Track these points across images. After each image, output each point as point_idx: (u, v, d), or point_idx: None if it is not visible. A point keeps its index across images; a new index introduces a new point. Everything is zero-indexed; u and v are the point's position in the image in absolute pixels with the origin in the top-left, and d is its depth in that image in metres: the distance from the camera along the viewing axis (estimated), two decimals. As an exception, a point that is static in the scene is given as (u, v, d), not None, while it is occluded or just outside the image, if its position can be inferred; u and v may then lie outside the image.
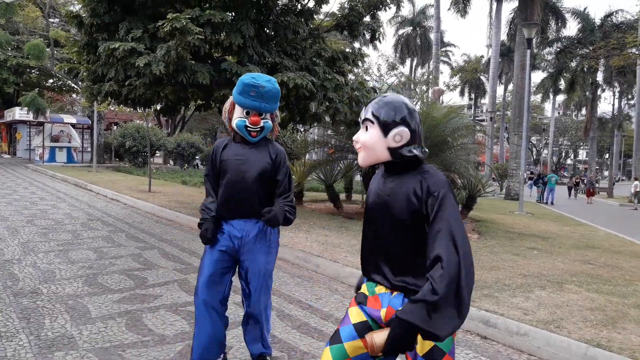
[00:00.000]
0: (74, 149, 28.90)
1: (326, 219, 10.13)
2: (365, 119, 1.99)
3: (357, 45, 22.67)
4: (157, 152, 28.36)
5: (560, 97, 49.77)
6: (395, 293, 1.93)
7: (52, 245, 7.02)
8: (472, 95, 55.43)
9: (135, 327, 4.03)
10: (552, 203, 24.57)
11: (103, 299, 4.71)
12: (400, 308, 1.78)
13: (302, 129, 16.77)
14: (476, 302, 4.66)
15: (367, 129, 1.98)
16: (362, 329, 1.96)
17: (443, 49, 48.60)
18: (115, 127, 32.54)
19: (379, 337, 1.74)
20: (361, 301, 2.02)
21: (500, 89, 47.55)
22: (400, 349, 1.72)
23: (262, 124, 3.04)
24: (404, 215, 1.90)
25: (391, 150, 1.94)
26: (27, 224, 8.62)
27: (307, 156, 16.11)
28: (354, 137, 2.05)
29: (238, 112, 3.05)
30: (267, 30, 9.27)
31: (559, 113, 66.38)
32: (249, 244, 3.10)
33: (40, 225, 8.49)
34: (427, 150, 2.00)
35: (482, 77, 52.36)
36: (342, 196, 13.78)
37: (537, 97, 47.54)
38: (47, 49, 24.34)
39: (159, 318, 4.28)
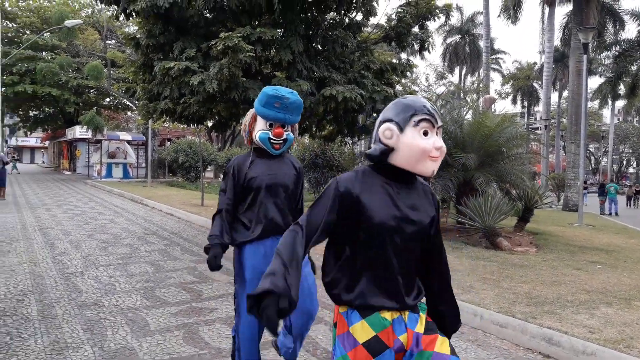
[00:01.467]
0: (130, 164, 30.05)
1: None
2: (441, 126, 1.82)
3: (404, 55, 22.54)
4: (208, 166, 29.02)
5: (620, 103, 47.56)
6: (407, 313, 1.82)
7: (112, 258, 7.27)
8: (525, 103, 53.87)
9: (193, 340, 4.10)
10: (616, 214, 23.40)
11: (161, 312, 4.82)
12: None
13: (349, 142, 16.77)
14: (537, 318, 4.47)
15: (436, 135, 1.81)
16: None
17: (493, 57, 47.60)
18: (168, 143, 33.63)
19: None
20: (379, 349, 1.74)
21: (554, 96, 46.05)
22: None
23: (284, 136, 3.03)
24: (427, 227, 1.85)
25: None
26: (88, 238, 8.98)
27: (354, 169, 16.10)
28: (437, 144, 1.77)
29: (260, 124, 3.01)
30: (316, 45, 9.36)
31: (618, 119, 63.49)
32: None
33: (100, 239, 8.83)
34: None
35: (534, 84, 50.85)
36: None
37: (595, 104, 45.61)
38: (105, 70, 25.52)
39: (215, 331, 4.34)
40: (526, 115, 55.92)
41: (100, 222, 11.19)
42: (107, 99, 36.21)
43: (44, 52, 32.79)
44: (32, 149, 66.40)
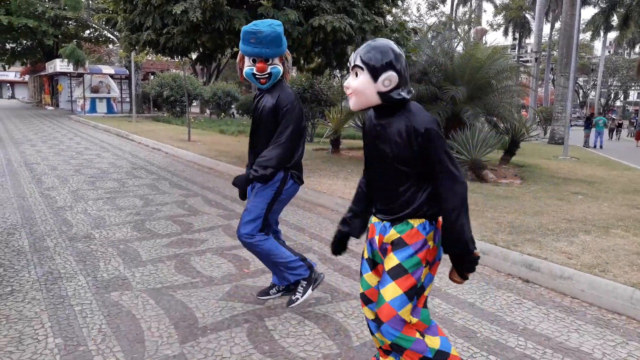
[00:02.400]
0: (114, 99, 29.46)
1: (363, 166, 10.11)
2: (355, 66, 2.08)
3: (394, -15, 21.78)
4: (194, 101, 28.56)
5: (612, 35, 46.91)
6: (384, 222, 2.22)
7: (100, 193, 7.29)
8: (517, 35, 52.97)
9: (184, 270, 4.21)
10: (600, 147, 23.70)
11: (152, 244, 4.90)
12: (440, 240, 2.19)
13: (338, 75, 16.50)
14: (519, 246, 4.62)
15: (357, 75, 2.08)
16: (369, 264, 2.33)
17: (486, -14, 46.17)
18: (152, 76, 32.85)
19: (455, 275, 2.21)
20: (367, 236, 2.37)
21: (546, 28, 45.21)
22: (471, 267, 2.15)
23: (269, 70, 3.07)
24: (393, 154, 2.09)
25: (381, 94, 2.06)
26: (75, 173, 8.95)
27: (343, 103, 15.94)
28: (345, 84, 2.14)
29: (247, 61, 3.11)
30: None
31: (609, 52, 62.87)
32: (255, 189, 3.31)
33: (88, 174, 8.81)
34: (412, 90, 2.15)
35: (527, 16, 49.77)
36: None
37: (587, 35, 44.98)
38: (83, 0, 24.43)
39: (206, 261, 4.45)
40: (517, 48, 55.13)
41: (87, 157, 11.11)
42: (88, 31, 34.89)
43: (17, -19, 31.17)
44: (12, 84, 64.52)
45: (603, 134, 24.85)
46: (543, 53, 41.64)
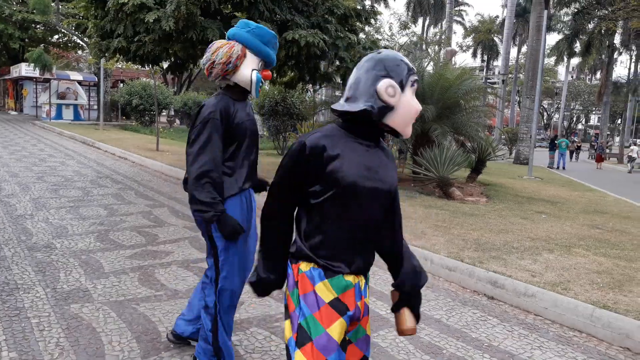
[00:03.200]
0: (81, 106, 28.81)
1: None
2: (414, 80, 1.73)
3: (368, 2, 22.12)
4: (163, 110, 28.21)
5: (575, 60, 48.68)
6: (360, 279, 1.75)
7: (63, 201, 7.09)
8: (485, 57, 54.44)
9: (148, 282, 4.11)
10: (563, 168, 24.40)
11: (115, 255, 4.78)
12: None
13: (311, 89, 16.58)
14: (484, 263, 4.69)
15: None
16: (344, 345, 1.73)
17: (457, 8, 47.47)
18: (121, 84, 32.30)
19: (411, 321, 1.82)
20: (343, 311, 1.68)
21: (513, 51, 46.62)
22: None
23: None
24: (393, 187, 1.78)
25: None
26: (38, 180, 8.68)
27: (314, 117, 16.00)
28: (418, 105, 1.74)
29: (253, 63, 2.61)
30: (278, -14, 9.03)
31: (572, 77, 65.17)
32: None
33: (50, 182, 8.56)
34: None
35: (495, 39, 51.26)
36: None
37: (551, 60, 46.53)
38: (53, 4, 23.95)
39: (171, 273, 4.35)
40: (485, 69, 56.60)
41: (51, 164, 10.80)
42: (56, 36, 34.11)
43: (-17, -19, 30.38)
44: (-26, 87, 62.51)
45: (566, 155, 25.60)
46: (510, 75, 42.88)
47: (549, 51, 44.54)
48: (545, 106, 65.83)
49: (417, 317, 1.84)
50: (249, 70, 2.59)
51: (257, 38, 2.61)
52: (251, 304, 3.75)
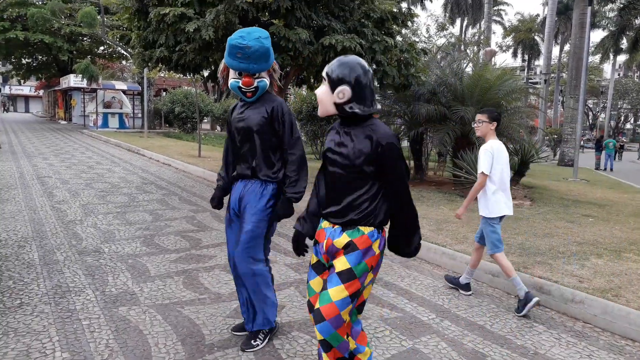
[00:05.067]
0: (126, 115, 29.74)
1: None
2: (322, 76, 2.28)
3: (404, 5, 21.99)
4: (205, 117, 28.79)
5: (622, 58, 46.90)
6: (335, 227, 2.33)
7: (110, 207, 7.33)
8: (526, 57, 53.14)
9: (192, 286, 4.20)
10: (611, 169, 23.52)
11: (160, 259, 4.91)
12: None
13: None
14: (529, 268, 4.58)
15: (322, 84, 2.28)
16: (317, 269, 2.44)
17: (495, 8, 46.56)
18: (164, 93, 33.20)
19: None
20: (315, 242, 2.46)
21: (555, 50, 45.33)
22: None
23: (255, 84, 2.96)
24: (355, 162, 2.21)
25: (336, 105, 2.23)
26: (86, 187, 9.01)
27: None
28: (316, 91, 2.32)
29: (232, 72, 2.99)
30: (315, -8, 9.09)
31: (619, 75, 62.83)
32: (244, 201, 3.09)
33: (98, 189, 8.87)
34: (375, 108, 2.26)
35: (536, 38, 49.97)
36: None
37: (596, 58, 44.99)
38: (98, 17, 24.86)
39: (214, 277, 4.44)
40: (526, 69, 55.26)
41: (98, 171, 11.20)
42: (102, 47, 35.39)
43: (34, -3, 31.84)
44: (27, 98, 65.41)
45: (613, 156, 24.68)
46: (552, 75, 41.70)
47: (593, 49, 43.13)
48: (590, 106, 63.67)
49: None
50: (230, 81, 3.02)
51: (225, 52, 2.97)
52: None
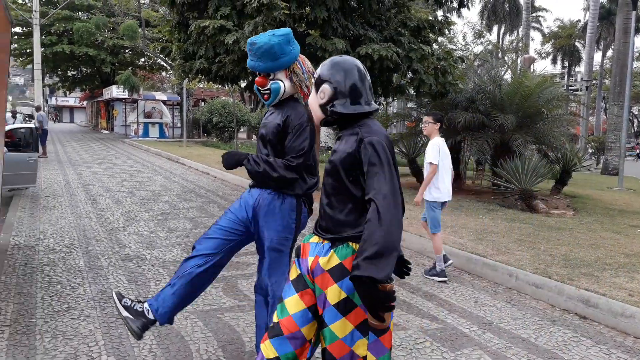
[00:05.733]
0: (165, 124, 30.49)
1: (408, 193, 10.01)
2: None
3: (440, 13, 21.85)
4: (242, 127, 29.21)
5: (669, 63, 45.14)
6: (324, 242, 2.00)
7: (152, 214, 7.50)
8: (565, 63, 51.83)
9: (232, 292, 4.25)
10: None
11: (201, 266, 4.98)
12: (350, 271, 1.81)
13: (383, 102, 16.55)
14: (574, 280, 4.44)
15: None
16: (296, 284, 2.04)
17: (534, 14, 45.64)
18: (202, 103, 33.86)
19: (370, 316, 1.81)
20: (297, 255, 2.13)
21: (597, 56, 44.04)
22: (377, 304, 1.74)
23: (268, 85, 2.77)
24: (340, 166, 1.96)
25: (320, 107, 2.05)
26: (128, 194, 9.26)
27: (387, 130, 15.91)
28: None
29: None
30: (351, 2, 9.14)
31: (665, 80, 60.44)
32: (260, 216, 2.82)
33: (140, 196, 9.10)
34: (372, 107, 2.01)
35: (577, 44, 48.71)
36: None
37: (641, 63, 43.51)
38: (139, 29, 25.64)
39: (253, 284, 4.46)
40: (566, 76, 53.86)
41: (140, 179, 11.49)
42: (142, 59, 36.50)
43: (80, 12, 33.12)
44: (71, 109, 67.89)
45: (661, 165, 23.73)
46: (594, 81, 40.54)
47: (637, 54, 41.68)
48: (636, 112, 61.48)
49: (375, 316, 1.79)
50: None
51: None
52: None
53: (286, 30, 2.78)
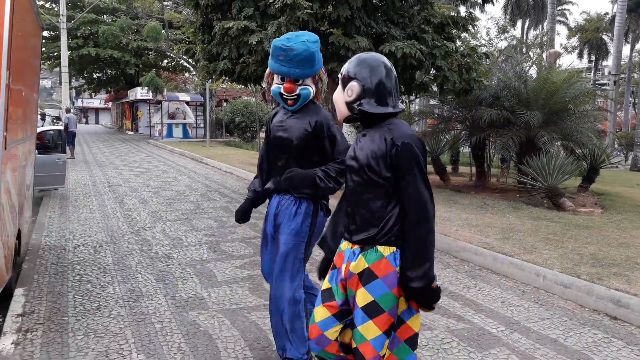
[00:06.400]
0: (189, 125, 30.85)
1: (433, 192, 9.96)
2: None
3: (462, 9, 21.62)
4: (264, 126, 29.37)
5: (701, 55, 43.85)
6: (354, 247, 2.06)
7: (178, 214, 7.61)
8: (592, 57, 50.71)
9: (258, 292, 4.29)
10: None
11: (227, 265, 5.05)
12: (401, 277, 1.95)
13: (406, 100, 16.44)
14: (604, 280, 4.35)
15: None
16: (324, 297, 2.16)
17: (559, 8, 44.74)
18: (225, 103, 34.17)
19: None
20: (332, 267, 2.19)
21: (625, 49, 42.98)
22: (430, 301, 1.96)
23: (298, 91, 2.72)
24: (368, 167, 1.97)
25: (346, 104, 2.05)
26: (154, 194, 9.40)
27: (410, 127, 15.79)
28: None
29: (275, 78, 2.79)
30: (374, 0, 9.11)
31: (697, 73, 58.68)
32: (280, 221, 2.84)
33: (165, 196, 9.23)
34: (397, 108, 2.03)
35: (604, 37, 47.61)
36: (449, 168, 13.38)
37: (671, 56, 42.37)
38: (163, 31, 25.97)
39: (279, 284, 4.50)
40: (593, 70, 52.70)
41: (165, 179, 11.66)
42: (166, 61, 36.98)
43: (105, 15, 33.72)
44: (97, 110, 69.18)
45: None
46: (622, 75, 39.57)
47: (669, 47, 40.48)
48: (666, 107, 59.83)
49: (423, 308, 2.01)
50: (273, 86, 2.82)
51: (270, 54, 2.77)
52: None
53: (314, 35, 2.77)
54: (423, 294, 1.93)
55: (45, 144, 8.76)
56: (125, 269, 4.85)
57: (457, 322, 3.75)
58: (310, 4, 7.69)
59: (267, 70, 2.87)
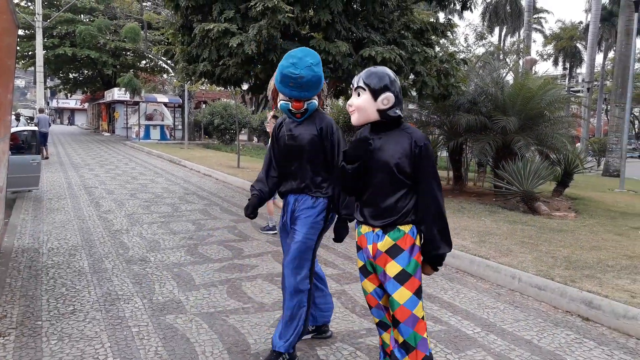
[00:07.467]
0: (167, 126, 30.55)
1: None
2: (358, 87, 2.42)
3: (441, 15, 21.88)
4: (243, 129, 29.26)
5: (670, 64, 45.07)
6: (376, 230, 2.45)
7: (155, 217, 7.53)
8: (567, 65, 51.80)
9: (236, 295, 4.27)
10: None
11: (205, 268, 5.01)
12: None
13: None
14: (577, 282, 4.45)
15: (359, 95, 2.41)
16: (364, 272, 2.59)
17: (535, 16, 45.62)
18: (204, 105, 33.93)
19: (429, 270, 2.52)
20: (358, 248, 2.60)
21: (599, 57, 43.99)
22: (440, 264, 2.49)
23: (305, 107, 3.02)
24: (395, 164, 2.37)
25: (380, 111, 2.39)
26: (131, 197, 9.29)
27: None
28: (349, 102, 2.47)
29: (282, 96, 3.05)
30: (355, 4, 9.17)
31: (667, 82, 60.33)
32: (299, 216, 3.10)
33: (142, 199, 9.12)
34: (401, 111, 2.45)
35: (578, 45, 48.68)
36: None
37: (642, 65, 43.46)
38: (141, 32, 25.69)
39: (257, 287, 4.50)
40: (567, 78, 53.83)
41: (142, 182, 11.52)
42: (144, 62, 36.55)
43: (82, 15, 33.19)
44: (72, 111, 68.02)
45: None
46: (595, 83, 40.51)
47: (639, 55, 41.53)
48: (637, 114, 61.43)
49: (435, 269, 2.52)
50: (279, 101, 3.10)
51: (277, 79, 3.01)
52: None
53: (316, 55, 2.99)
54: (444, 257, 2.45)
55: (19, 144, 8.58)
56: (101, 272, 4.78)
57: (434, 324, 3.79)
58: (291, 7, 7.71)
59: (272, 86, 3.18)
